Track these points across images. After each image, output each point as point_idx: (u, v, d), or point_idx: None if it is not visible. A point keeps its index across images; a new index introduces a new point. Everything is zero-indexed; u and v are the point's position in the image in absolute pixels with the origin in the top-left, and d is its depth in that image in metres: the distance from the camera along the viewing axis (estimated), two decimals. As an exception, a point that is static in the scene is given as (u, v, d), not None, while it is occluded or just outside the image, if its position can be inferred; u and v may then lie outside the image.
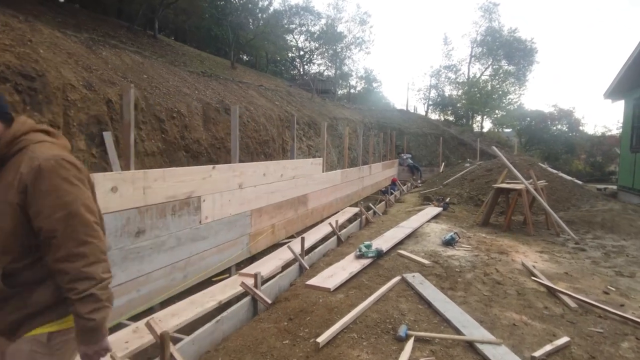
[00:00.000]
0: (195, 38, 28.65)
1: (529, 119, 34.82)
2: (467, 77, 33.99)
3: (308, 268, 5.70)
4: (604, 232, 8.70)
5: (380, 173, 17.16)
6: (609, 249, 7.32)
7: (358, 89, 43.99)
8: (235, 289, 4.70)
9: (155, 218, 4.29)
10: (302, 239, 5.77)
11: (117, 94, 6.48)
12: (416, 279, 4.97)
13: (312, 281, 4.86)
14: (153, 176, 4.25)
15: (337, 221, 7.80)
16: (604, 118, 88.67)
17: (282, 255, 6.07)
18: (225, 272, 5.92)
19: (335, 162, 18.71)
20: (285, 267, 5.78)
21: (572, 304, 4.34)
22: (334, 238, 7.61)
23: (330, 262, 6.13)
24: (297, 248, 5.80)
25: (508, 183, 9.03)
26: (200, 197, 4.96)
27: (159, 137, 7.32)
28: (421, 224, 8.23)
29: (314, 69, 40.14)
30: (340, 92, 41.45)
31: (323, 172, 9.81)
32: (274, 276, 5.27)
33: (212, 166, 5.17)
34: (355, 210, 10.99)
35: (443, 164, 22.20)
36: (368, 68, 55.60)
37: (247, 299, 4.31)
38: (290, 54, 37.10)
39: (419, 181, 21.16)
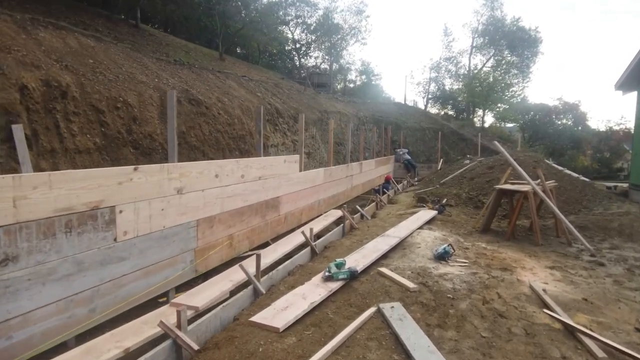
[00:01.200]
0: (185, 29, 27.75)
1: (532, 112, 33.73)
2: (467, 69, 32.83)
3: (264, 292, 4.64)
4: (622, 240, 7.63)
5: (373, 170, 16.07)
6: (631, 262, 6.26)
7: (357, 83, 42.89)
8: (155, 328, 3.62)
9: (37, 238, 3.21)
10: (258, 257, 4.69)
11: (38, 79, 5.39)
12: (395, 312, 3.91)
13: (258, 317, 3.80)
14: (32, 182, 3.16)
15: (311, 229, 6.74)
16: (611, 112, 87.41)
17: (234, 276, 5.00)
18: (165, 296, 4.86)
19: (325, 159, 17.62)
20: (235, 291, 4.71)
21: (600, 354, 3.27)
22: (307, 250, 6.56)
23: (294, 283, 5.06)
24: (253, 267, 4.73)
25: (512, 183, 7.96)
26: (114, 207, 3.87)
27: (97, 131, 6.24)
28: (411, 231, 7.15)
29: (310, 62, 39.33)
30: (339, 86, 40.53)
31: (301, 170, 8.73)
32: (218, 304, 4.21)
33: (133, 167, 4.07)
34: (341, 213, 9.92)
35: (441, 160, 21.13)
36: (365, 60, 54.45)
37: (166, 344, 3.26)
38: (287, 47, 36.16)
39: (415, 179, 20.09)
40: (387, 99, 36.91)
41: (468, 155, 18.16)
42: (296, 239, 6.92)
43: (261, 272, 4.99)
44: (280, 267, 5.46)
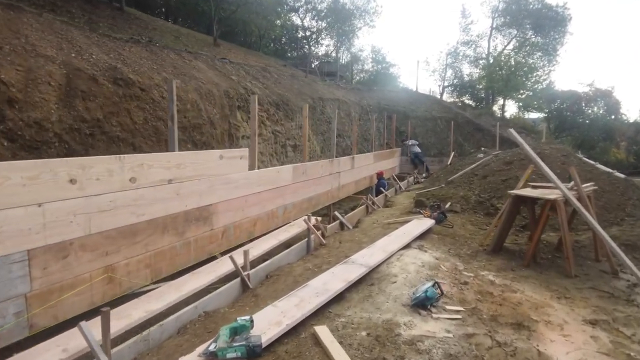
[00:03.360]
0: (184, 15, 26.73)
1: (559, 100, 30.98)
2: (487, 53, 30.19)
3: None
4: (691, 266, 5.54)
5: (371, 166, 14.09)
6: None
7: (370, 70, 40.79)
8: None
9: None
10: (105, 315, 2.87)
11: None
12: None
13: None
14: None
15: (246, 252, 4.91)
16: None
17: (71, 342, 3.19)
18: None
19: (318, 152, 15.72)
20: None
21: None
22: (235, 283, 4.74)
23: (172, 352, 3.25)
24: (114, 326, 2.92)
25: (534, 187, 5.92)
26: None
27: None
28: (390, 254, 5.25)
29: (321, 50, 37.77)
30: (357, 78, 38.75)
31: (254, 168, 6.87)
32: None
33: None
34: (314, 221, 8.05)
35: (452, 154, 18.93)
36: (376, 47, 52.02)
37: None
38: (297, 34, 34.74)
39: (423, 175, 18.00)
40: (396, 86, 34.60)
41: (482, 148, 15.91)
42: (225, 266, 5.07)
43: (135, 328, 3.21)
44: (167, 320, 3.64)
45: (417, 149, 19.43)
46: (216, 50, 18.95)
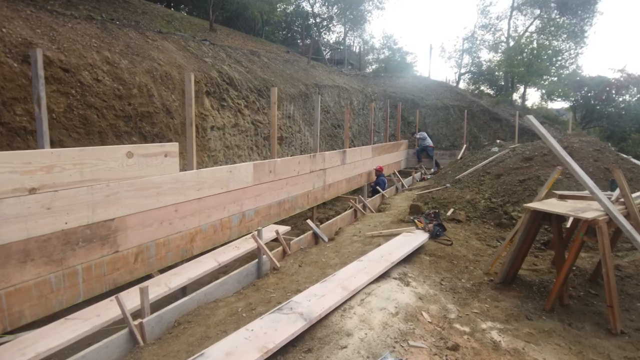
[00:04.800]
0: (189, 1, 25.75)
1: (586, 88, 28.62)
2: (507, 36, 27.91)
3: None
4: None
5: (368, 161, 12.52)
6: None
7: (383, 59, 39.17)
8: None
9: None
10: None
11: None
12: None
13: None
14: None
15: (143, 289, 3.50)
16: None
17: None
18: None
19: (311, 146, 14.20)
20: None
21: None
22: (118, 339, 3.32)
23: None
24: None
25: (561, 197, 4.30)
26: None
27: None
28: (351, 293, 3.75)
29: (332, 38, 36.56)
30: (371, 68, 37.30)
31: (193, 167, 5.42)
32: None
33: None
34: (286, 228, 6.60)
35: (464, 146, 17.15)
36: (388, 33, 50.04)
37: None
38: (308, 22, 33.62)
39: (432, 170, 16.31)
40: (408, 74, 32.67)
41: (498, 141, 14.05)
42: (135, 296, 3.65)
43: None
44: None
45: (428, 142, 17.70)
46: (212, 35, 17.63)
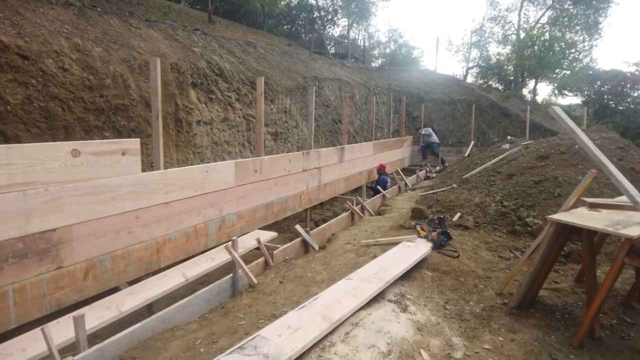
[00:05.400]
0: None
1: (599, 82, 27.61)
2: (517, 27, 26.93)
3: None
4: None
5: (369, 158, 11.82)
6: None
7: (389, 53, 38.45)
8: None
9: None
10: None
11: None
12: None
13: None
14: None
15: (42, 332, 2.83)
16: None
17: None
18: None
19: (307, 141, 13.49)
20: None
21: None
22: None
23: None
24: None
25: (591, 207, 3.57)
26: None
27: None
28: (332, 324, 3.07)
29: (337, 32, 35.92)
30: (378, 62, 36.66)
31: (159, 167, 4.76)
32: None
33: None
34: (270, 235, 5.95)
35: (472, 143, 16.36)
36: (393, 26, 49.13)
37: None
38: (312, 15, 33.17)
39: (437, 168, 15.57)
40: (414, 68, 31.80)
41: (508, 137, 13.25)
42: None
43: None
44: None
45: (434, 139, 16.93)
46: (210, 27, 17.06)
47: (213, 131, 9.24)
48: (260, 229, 6.70)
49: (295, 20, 33.32)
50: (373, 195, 10.20)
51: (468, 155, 13.57)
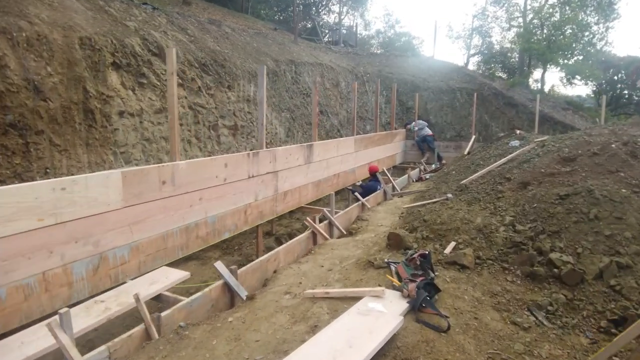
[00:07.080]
0: None
1: (612, 70, 25.71)
2: (523, 9, 24.95)
3: None
4: None
5: (350, 156, 10.01)
6: None
7: (385, 41, 36.69)
8: None
9: None
10: None
11: None
12: None
13: None
14: None
15: None
16: None
17: None
18: None
19: (281, 137, 11.69)
20: None
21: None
22: None
23: None
24: None
25: None
26: None
27: None
28: None
29: (332, 19, 34.48)
30: (374, 51, 35.15)
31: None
32: None
33: None
34: (179, 276, 4.15)
35: (473, 137, 14.52)
36: (389, 11, 47.16)
37: None
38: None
39: (433, 166, 13.73)
40: (413, 55, 29.86)
41: (518, 132, 11.26)
42: None
43: None
44: None
45: (427, 131, 15.07)
46: (184, 8, 15.30)
47: (144, 125, 7.40)
48: (178, 260, 4.90)
49: (289, 7, 31.60)
50: (365, 195, 8.33)
51: (468, 153, 11.73)
